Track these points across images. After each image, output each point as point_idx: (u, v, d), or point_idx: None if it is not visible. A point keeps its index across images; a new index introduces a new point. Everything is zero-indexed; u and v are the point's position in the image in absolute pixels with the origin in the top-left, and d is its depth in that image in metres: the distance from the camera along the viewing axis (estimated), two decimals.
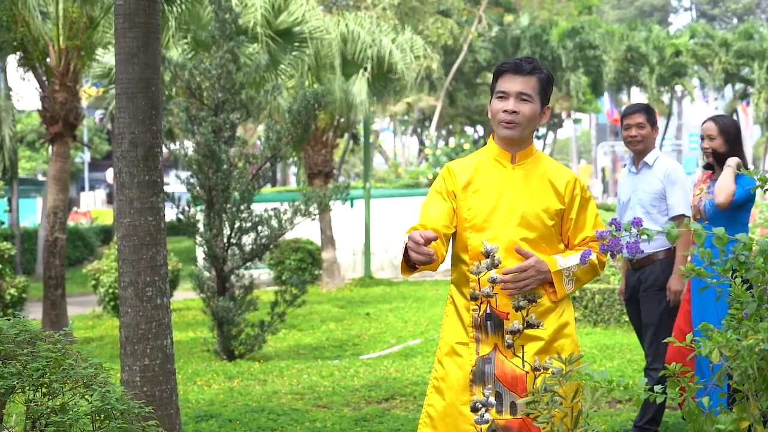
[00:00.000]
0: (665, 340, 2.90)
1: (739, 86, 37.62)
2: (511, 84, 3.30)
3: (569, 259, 3.31)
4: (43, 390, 2.93)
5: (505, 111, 3.30)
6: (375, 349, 9.63)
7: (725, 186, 4.89)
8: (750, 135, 42.13)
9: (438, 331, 10.47)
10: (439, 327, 11.68)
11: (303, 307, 10.12)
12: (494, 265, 3.26)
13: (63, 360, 2.96)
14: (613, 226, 2.50)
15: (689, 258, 4.97)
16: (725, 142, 5.06)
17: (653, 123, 5.44)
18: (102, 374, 3.02)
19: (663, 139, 40.11)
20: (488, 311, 3.28)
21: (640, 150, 5.42)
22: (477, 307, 3.29)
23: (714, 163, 5.14)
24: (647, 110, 5.47)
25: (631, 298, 5.49)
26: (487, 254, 3.27)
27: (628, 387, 2.45)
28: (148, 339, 4.49)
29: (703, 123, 5.20)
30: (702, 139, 5.14)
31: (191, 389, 7.42)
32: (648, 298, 5.34)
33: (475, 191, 3.34)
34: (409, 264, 3.20)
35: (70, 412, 2.84)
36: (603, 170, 51.52)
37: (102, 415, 2.90)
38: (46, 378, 2.91)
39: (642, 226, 2.49)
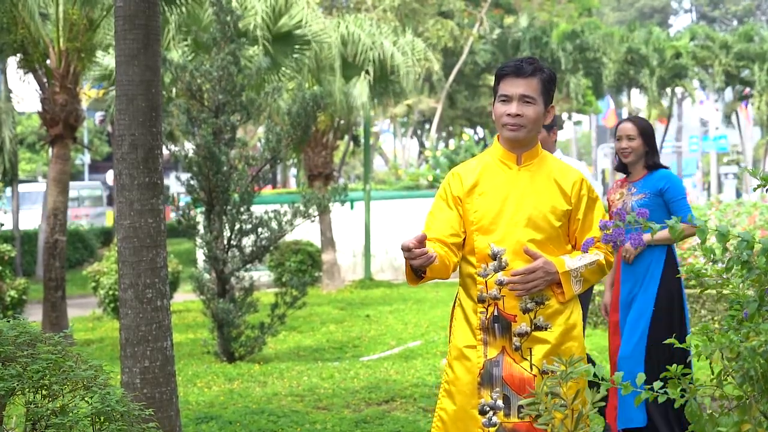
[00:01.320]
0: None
1: (739, 88, 37.61)
2: (514, 87, 3.29)
3: (577, 260, 3.30)
4: (43, 392, 2.93)
5: (509, 114, 3.29)
6: (375, 351, 9.63)
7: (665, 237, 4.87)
8: (750, 137, 42.12)
9: (438, 333, 10.49)
10: (440, 329, 11.62)
11: (303, 308, 10.12)
12: (501, 268, 3.26)
13: (63, 362, 2.96)
14: (617, 217, 2.50)
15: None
16: (644, 143, 5.06)
17: (549, 127, 5.43)
18: (102, 376, 3.01)
19: (663, 141, 40.12)
20: (495, 314, 3.27)
21: None
22: (484, 310, 3.28)
23: (630, 164, 5.11)
24: None
25: None
26: (494, 256, 3.27)
27: (628, 386, 2.45)
28: (148, 341, 4.49)
29: (619, 124, 5.18)
30: (619, 140, 5.11)
31: (191, 391, 7.42)
32: None
33: (481, 193, 3.33)
34: (417, 274, 3.20)
35: (70, 414, 2.84)
36: (603, 172, 51.56)
37: (102, 417, 2.90)
38: (46, 380, 2.91)
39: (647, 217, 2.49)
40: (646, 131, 5.09)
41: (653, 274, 4.97)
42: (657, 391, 2.45)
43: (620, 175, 5.33)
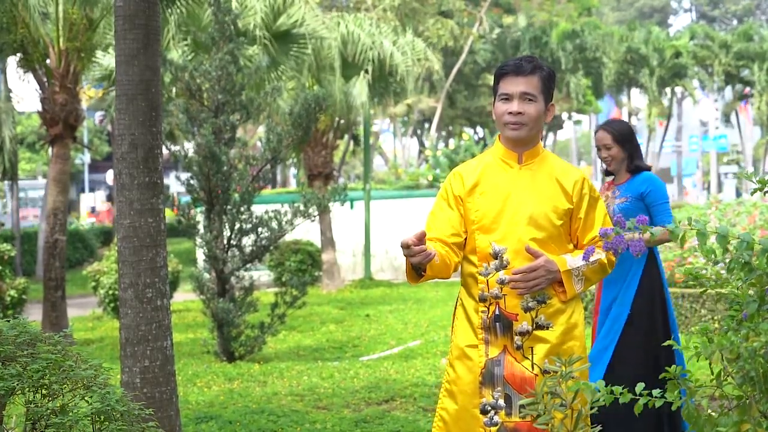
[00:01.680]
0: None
1: (739, 88, 37.62)
2: (514, 85, 3.29)
3: (578, 259, 3.29)
4: (43, 391, 2.93)
5: (510, 113, 3.29)
6: (375, 351, 9.63)
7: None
8: (750, 136, 42.12)
9: (438, 333, 10.49)
10: (439, 328, 11.59)
11: (303, 308, 10.13)
12: (503, 267, 3.25)
13: (63, 361, 2.96)
14: (618, 224, 2.50)
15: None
16: (622, 148, 5.04)
17: None
18: (102, 376, 3.01)
19: (663, 140, 40.11)
20: (497, 313, 3.26)
21: None
22: (486, 309, 3.28)
23: (614, 170, 5.11)
24: None
25: None
26: (496, 255, 3.26)
27: (625, 394, 2.45)
28: (148, 340, 4.49)
29: (596, 133, 5.17)
30: (598, 149, 5.11)
31: (191, 391, 7.42)
32: None
33: (482, 193, 3.32)
34: (417, 272, 3.20)
35: (70, 414, 2.84)
36: (603, 172, 51.56)
37: (102, 417, 2.90)
38: (46, 379, 2.91)
39: (647, 224, 2.49)
40: (622, 137, 5.05)
41: (633, 277, 4.93)
42: (655, 397, 2.45)
43: None
